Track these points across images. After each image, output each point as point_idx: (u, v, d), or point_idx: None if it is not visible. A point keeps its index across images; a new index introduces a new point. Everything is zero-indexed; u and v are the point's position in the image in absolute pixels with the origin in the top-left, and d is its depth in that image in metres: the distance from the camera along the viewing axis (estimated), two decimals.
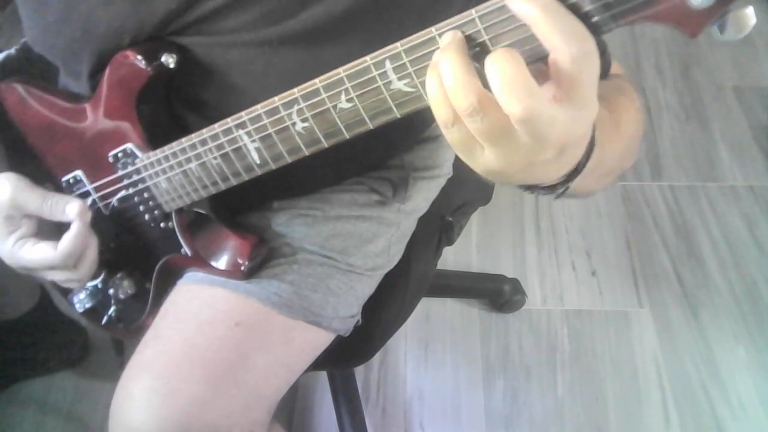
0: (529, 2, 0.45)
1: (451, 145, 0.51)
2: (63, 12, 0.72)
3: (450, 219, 1.16)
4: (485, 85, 0.46)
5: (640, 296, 1.66)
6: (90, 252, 0.76)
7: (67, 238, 0.73)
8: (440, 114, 0.49)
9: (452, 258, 1.72)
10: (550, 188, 0.59)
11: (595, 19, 0.45)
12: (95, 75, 0.75)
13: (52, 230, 0.77)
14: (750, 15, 0.43)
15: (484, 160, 0.50)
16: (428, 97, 0.49)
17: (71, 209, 0.74)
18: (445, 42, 0.49)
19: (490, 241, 1.78)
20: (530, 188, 0.59)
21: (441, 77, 0.47)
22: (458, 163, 0.95)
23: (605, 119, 0.61)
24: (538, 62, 0.48)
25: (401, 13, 0.66)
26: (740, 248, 1.74)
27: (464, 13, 0.48)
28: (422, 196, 0.97)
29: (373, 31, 0.62)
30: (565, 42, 0.44)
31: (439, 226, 1.14)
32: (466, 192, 1.15)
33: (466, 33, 0.48)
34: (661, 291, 1.67)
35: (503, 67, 0.45)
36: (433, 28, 0.50)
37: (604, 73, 0.77)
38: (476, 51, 0.49)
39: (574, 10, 0.45)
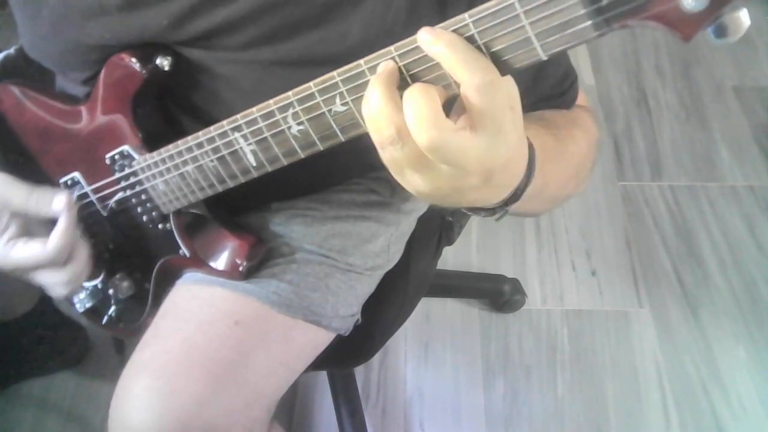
0: (434, 40, 0.49)
1: (385, 165, 0.53)
2: (55, 23, 0.72)
3: (450, 219, 1.16)
4: None
5: (640, 296, 1.66)
6: (80, 253, 0.75)
7: (57, 233, 0.72)
8: (373, 138, 0.52)
9: (452, 258, 1.72)
10: (490, 211, 0.61)
11: (589, 23, 0.45)
12: (89, 82, 0.75)
13: (42, 230, 0.76)
14: (744, 18, 0.43)
15: (412, 185, 0.53)
16: (365, 122, 0.52)
17: (58, 202, 0.73)
18: (378, 71, 0.52)
19: (490, 241, 1.78)
20: (471, 210, 0.62)
21: (368, 105, 0.51)
22: None
23: (549, 148, 0.64)
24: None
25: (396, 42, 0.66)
26: (740, 248, 1.74)
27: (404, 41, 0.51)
28: (415, 197, 0.97)
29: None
30: (469, 73, 0.48)
31: (439, 226, 1.14)
32: None
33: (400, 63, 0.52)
34: (661, 291, 1.67)
35: (412, 100, 0.49)
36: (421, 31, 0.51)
37: (569, 103, 0.78)
38: (403, 83, 0.52)
39: (473, 40, 0.48)
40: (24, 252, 0.73)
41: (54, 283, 0.76)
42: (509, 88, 0.50)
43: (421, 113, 0.48)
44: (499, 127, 0.49)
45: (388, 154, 0.52)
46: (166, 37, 0.69)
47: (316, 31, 0.66)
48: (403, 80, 0.52)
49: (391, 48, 0.52)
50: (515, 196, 0.58)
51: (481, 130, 0.49)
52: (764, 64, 2.19)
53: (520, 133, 0.53)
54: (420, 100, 0.49)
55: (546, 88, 0.76)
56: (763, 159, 1.94)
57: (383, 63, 0.52)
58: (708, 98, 2.11)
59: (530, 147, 0.58)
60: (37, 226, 0.76)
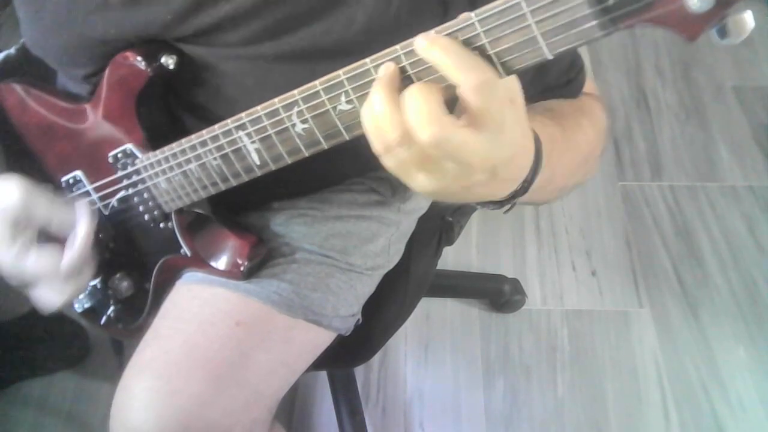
0: (429, 46, 0.50)
1: (388, 170, 0.54)
2: (59, 17, 0.72)
3: (450, 219, 1.16)
4: None
5: (640, 296, 1.66)
6: (88, 268, 0.75)
7: (77, 246, 0.72)
8: (375, 144, 0.53)
9: (452, 258, 1.72)
10: (498, 204, 0.63)
11: (594, 22, 0.45)
12: (91, 78, 0.75)
13: (46, 240, 0.75)
14: (748, 19, 0.43)
15: (420, 184, 0.53)
16: (365, 129, 0.53)
17: (82, 215, 0.73)
18: (379, 75, 0.53)
19: (490, 241, 1.78)
20: (479, 203, 0.63)
21: (372, 111, 0.52)
22: None
23: (556, 138, 0.65)
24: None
25: (398, 38, 0.66)
26: (740, 248, 1.74)
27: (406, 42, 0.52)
28: (422, 196, 0.97)
29: (370, 53, 0.63)
30: (464, 74, 0.49)
31: (439, 226, 1.14)
32: None
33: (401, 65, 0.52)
34: (661, 291, 1.67)
35: (412, 99, 0.50)
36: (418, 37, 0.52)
37: (575, 92, 0.79)
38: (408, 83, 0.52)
39: (470, 44, 0.50)
40: (41, 258, 0.72)
41: (56, 293, 0.75)
42: (507, 83, 0.51)
43: (422, 110, 0.49)
44: (499, 123, 0.50)
45: (393, 158, 0.52)
46: (170, 33, 0.69)
47: (319, 22, 0.66)
48: (408, 80, 0.53)
49: (397, 47, 0.52)
50: (523, 188, 0.59)
51: (482, 128, 0.49)
52: (764, 64, 2.19)
53: (524, 126, 0.53)
54: (419, 98, 0.49)
55: (552, 78, 0.76)
56: (763, 159, 1.94)
57: (384, 65, 0.53)
58: (708, 98, 2.11)
59: (536, 139, 0.59)
60: (46, 237, 0.75)
